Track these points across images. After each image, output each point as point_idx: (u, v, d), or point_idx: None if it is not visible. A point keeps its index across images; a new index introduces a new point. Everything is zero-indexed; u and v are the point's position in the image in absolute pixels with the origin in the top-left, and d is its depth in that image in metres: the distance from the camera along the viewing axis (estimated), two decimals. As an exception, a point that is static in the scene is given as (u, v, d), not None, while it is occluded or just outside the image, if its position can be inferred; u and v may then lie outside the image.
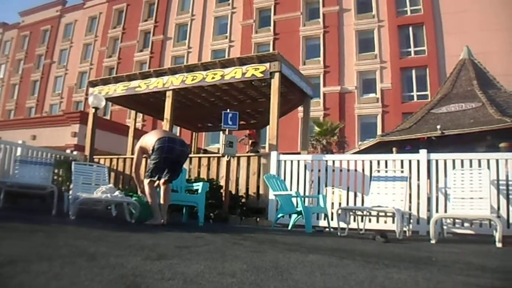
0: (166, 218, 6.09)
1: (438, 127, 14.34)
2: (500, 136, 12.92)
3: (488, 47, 25.14)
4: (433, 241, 5.39)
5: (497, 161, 6.66)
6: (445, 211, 6.56)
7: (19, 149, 9.42)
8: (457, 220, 6.57)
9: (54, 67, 48.51)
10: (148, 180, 6.00)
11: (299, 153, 10.21)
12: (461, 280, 2.58)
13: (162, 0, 41.96)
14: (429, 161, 7.16)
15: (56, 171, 9.60)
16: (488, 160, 6.70)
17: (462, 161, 6.88)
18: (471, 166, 6.72)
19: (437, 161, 7.10)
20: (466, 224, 6.60)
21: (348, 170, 7.80)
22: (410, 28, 31.02)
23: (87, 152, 11.15)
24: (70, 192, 6.75)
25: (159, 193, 6.17)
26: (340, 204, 7.58)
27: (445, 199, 6.76)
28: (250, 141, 12.40)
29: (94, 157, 11.07)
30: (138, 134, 14.79)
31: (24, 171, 7.95)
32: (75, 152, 12.23)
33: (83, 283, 1.85)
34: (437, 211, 6.76)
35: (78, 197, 6.01)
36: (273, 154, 8.35)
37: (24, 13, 53.37)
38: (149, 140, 6.17)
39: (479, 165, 6.67)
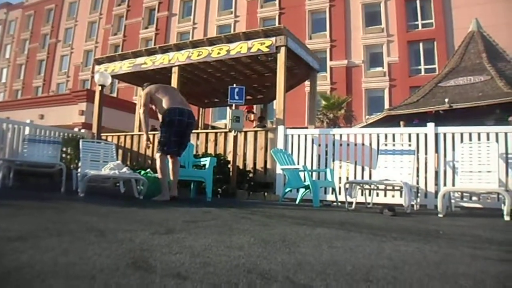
0: (176, 192, 6.14)
1: (446, 100, 14.21)
2: (509, 110, 12.80)
3: (498, 19, 24.71)
4: (441, 215, 5.38)
5: (505, 134, 6.58)
6: (453, 185, 6.55)
7: (27, 128, 9.45)
8: (465, 194, 6.55)
9: (59, 46, 48.32)
10: (160, 153, 6.01)
11: (306, 128, 10.18)
12: (469, 252, 2.58)
13: (166, -24, 41.51)
14: (436, 135, 7.11)
15: (64, 149, 9.65)
16: (497, 134, 6.63)
17: (470, 134, 6.83)
18: (479, 139, 6.67)
19: (445, 134, 7.06)
20: (474, 198, 6.58)
21: (356, 144, 7.77)
22: (418, 1, 30.48)
23: (94, 129, 11.20)
24: (79, 169, 6.80)
25: (168, 168, 6.19)
26: (347, 178, 7.58)
27: (453, 173, 6.74)
28: (253, 115, 12.34)
29: (102, 134, 11.11)
30: (145, 111, 14.80)
31: (32, 150, 7.99)
32: (82, 130, 12.26)
33: (92, 257, 1.87)
34: (445, 184, 6.74)
35: (87, 174, 6.06)
36: (280, 129, 8.33)
37: (28, -8, 53.09)
38: (161, 101, 6.07)
39: (488, 139, 6.62)
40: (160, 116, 6.12)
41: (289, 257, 2.13)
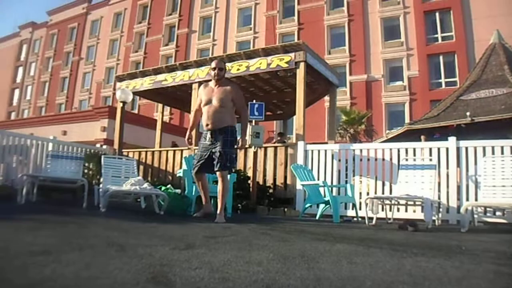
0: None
1: (468, 114, 14.03)
2: (533, 122, 12.58)
3: (520, 30, 24.39)
4: (463, 230, 5.29)
5: (530, 148, 6.48)
6: (476, 200, 6.43)
7: (50, 144, 9.64)
8: (488, 209, 6.43)
9: (82, 64, 49.29)
10: (227, 172, 5.83)
11: (326, 143, 10.14)
12: (492, 268, 2.54)
13: (185, -6, 42.17)
14: (458, 149, 7.01)
15: (86, 165, 9.79)
16: (521, 147, 6.53)
17: (492, 148, 6.72)
18: (502, 153, 6.56)
19: (466, 148, 6.95)
20: (498, 213, 6.46)
21: (376, 159, 7.72)
22: (437, 14, 30.31)
23: (116, 145, 11.33)
24: (100, 185, 6.88)
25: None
26: (368, 193, 7.52)
27: (475, 187, 6.62)
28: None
29: (123, 150, 11.24)
30: (166, 127, 15.00)
31: (55, 166, 8.10)
32: (104, 146, 12.43)
33: (113, 272, 1.89)
34: (467, 199, 6.63)
35: (108, 189, 6.12)
36: (300, 144, 8.33)
37: (52, 12, 54.43)
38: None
39: (511, 152, 6.51)
40: (220, 124, 5.93)
41: (308, 273, 2.12)
